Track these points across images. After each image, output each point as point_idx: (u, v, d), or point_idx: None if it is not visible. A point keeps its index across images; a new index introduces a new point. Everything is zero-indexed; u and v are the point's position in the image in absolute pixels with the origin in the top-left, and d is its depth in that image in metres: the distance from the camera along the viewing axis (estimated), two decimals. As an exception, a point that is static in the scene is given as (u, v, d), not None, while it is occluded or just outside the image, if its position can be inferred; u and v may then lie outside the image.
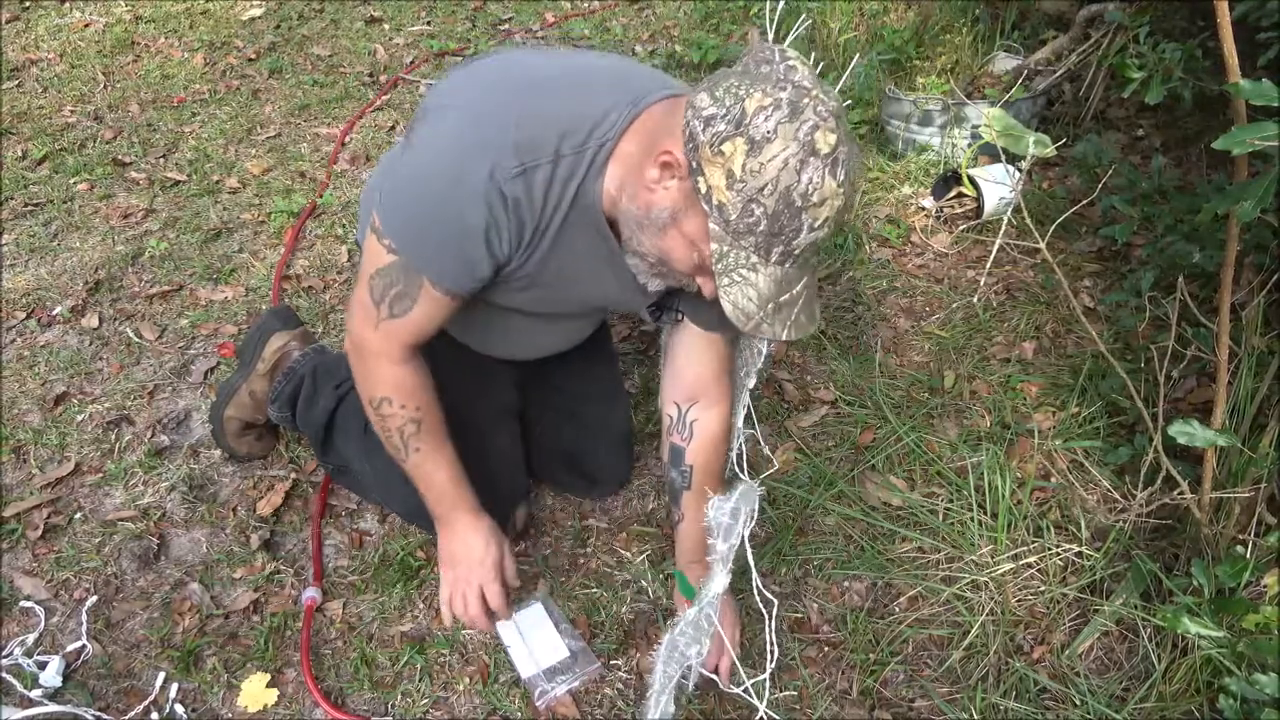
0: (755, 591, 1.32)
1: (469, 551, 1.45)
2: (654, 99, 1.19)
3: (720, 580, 1.27)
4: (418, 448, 1.38)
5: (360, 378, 1.36)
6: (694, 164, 1.06)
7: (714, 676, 1.41)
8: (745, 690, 1.41)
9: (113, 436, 1.92)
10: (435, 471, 1.41)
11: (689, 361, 1.47)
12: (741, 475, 1.71)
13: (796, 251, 1.07)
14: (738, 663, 1.44)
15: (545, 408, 1.72)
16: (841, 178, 1.03)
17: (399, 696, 1.49)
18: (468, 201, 1.15)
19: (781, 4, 1.75)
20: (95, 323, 2.21)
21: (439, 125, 1.21)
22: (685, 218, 1.11)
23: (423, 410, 1.36)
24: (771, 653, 1.48)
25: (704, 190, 1.06)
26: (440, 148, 1.19)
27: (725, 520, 1.23)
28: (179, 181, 2.74)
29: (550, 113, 1.17)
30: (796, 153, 1.01)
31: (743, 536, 1.22)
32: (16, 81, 3.23)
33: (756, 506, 1.25)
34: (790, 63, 1.05)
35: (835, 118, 1.03)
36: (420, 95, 3.20)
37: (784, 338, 1.12)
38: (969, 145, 2.65)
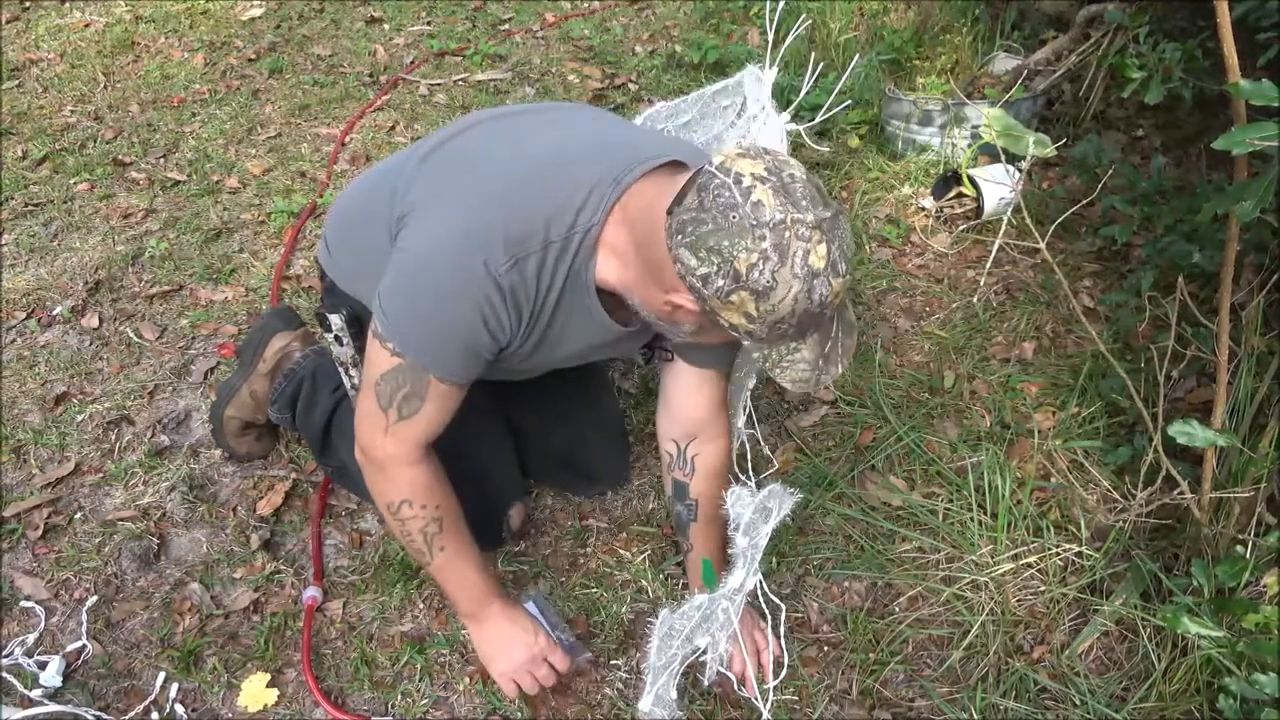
0: (760, 596, 1.32)
1: (514, 643, 1.43)
2: (637, 175, 1.21)
3: (739, 574, 1.26)
4: (442, 546, 1.37)
5: (375, 486, 1.35)
6: (708, 308, 1.09)
7: (730, 675, 1.41)
8: (752, 695, 1.41)
9: (113, 436, 1.92)
10: (464, 568, 1.40)
11: (684, 400, 1.48)
12: (743, 476, 1.71)
13: (825, 323, 1.12)
14: (749, 668, 1.44)
15: (533, 412, 1.71)
16: (844, 269, 1.07)
17: (399, 696, 1.49)
18: (466, 299, 1.20)
19: (781, 4, 1.75)
20: (95, 323, 2.21)
21: (428, 228, 1.25)
22: (712, 330, 1.16)
23: (442, 508, 1.35)
24: (781, 661, 1.48)
25: (727, 325, 1.09)
26: (432, 254, 1.23)
27: (747, 515, 1.23)
28: (179, 181, 2.73)
29: (534, 203, 1.21)
30: (802, 286, 1.04)
31: (767, 535, 1.23)
32: (16, 81, 3.22)
33: (788, 510, 1.26)
34: (754, 197, 1.02)
35: (816, 228, 1.03)
36: (421, 96, 3.20)
37: (841, 371, 1.16)
38: (969, 145, 2.65)
